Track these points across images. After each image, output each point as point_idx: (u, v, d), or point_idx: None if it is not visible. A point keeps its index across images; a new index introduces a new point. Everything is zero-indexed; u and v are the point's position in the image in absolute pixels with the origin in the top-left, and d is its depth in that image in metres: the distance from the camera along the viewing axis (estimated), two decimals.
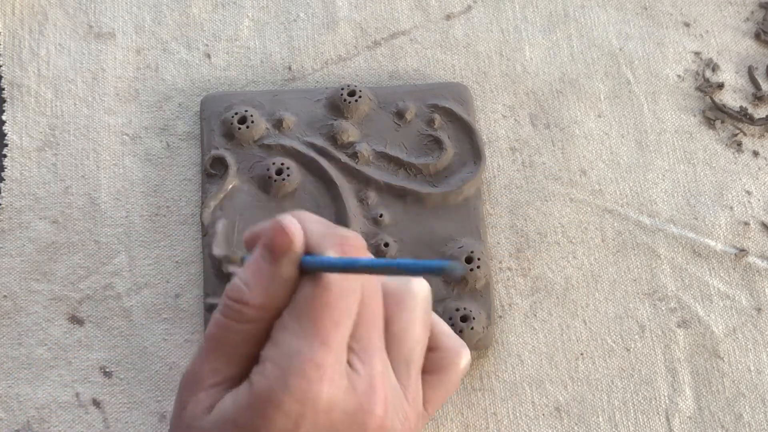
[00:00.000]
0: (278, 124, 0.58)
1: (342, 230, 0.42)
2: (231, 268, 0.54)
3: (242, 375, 0.42)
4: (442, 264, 0.38)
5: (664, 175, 0.60)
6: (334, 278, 0.40)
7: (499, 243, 0.58)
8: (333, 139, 0.58)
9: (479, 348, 0.55)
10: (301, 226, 0.42)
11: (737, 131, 0.61)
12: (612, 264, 0.58)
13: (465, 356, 0.47)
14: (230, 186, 0.57)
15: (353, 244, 0.42)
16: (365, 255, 0.42)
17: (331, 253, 0.41)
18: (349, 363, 0.42)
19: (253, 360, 0.42)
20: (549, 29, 0.63)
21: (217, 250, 0.55)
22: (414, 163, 0.58)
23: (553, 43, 0.63)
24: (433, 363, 0.46)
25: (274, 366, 0.40)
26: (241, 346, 0.42)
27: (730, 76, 0.62)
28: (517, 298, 0.56)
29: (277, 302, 0.42)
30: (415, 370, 0.45)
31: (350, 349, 0.42)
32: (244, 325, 0.41)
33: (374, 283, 0.43)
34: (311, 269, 0.41)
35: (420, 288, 0.45)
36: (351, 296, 0.41)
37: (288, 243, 0.41)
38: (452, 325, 0.54)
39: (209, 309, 0.54)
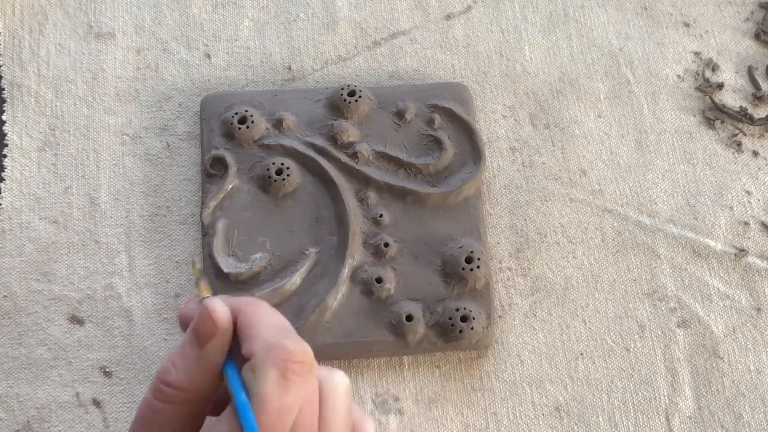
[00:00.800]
0: (278, 124, 0.58)
1: (292, 343, 0.40)
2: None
3: None
4: None
5: (664, 175, 0.60)
6: (271, 396, 0.39)
7: (499, 243, 0.58)
8: (333, 139, 0.58)
9: (479, 348, 0.55)
10: (254, 327, 0.41)
11: (737, 131, 0.61)
12: (612, 264, 0.58)
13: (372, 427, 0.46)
14: (230, 186, 0.57)
15: (298, 363, 0.40)
16: (307, 381, 0.40)
17: (271, 372, 0.39)
18: None
19: None
20: (549, 29, 0.63)
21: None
22: (414, 163, 0.58)
23: (553, 43, 0.63)
24: None
25: None
26: (166, 427, 0.41)
27: (729, 76, 0.62)
28: (517, 298, 0.56)
29: (203, 387, 0.41)
30: None
31: None
32: (169, 406, 0.41)
33: (315, 387, 0.41)
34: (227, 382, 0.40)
35: (341, 380, 0.43)
36: (288, 416, 0.40)
37: (213, 330, 0.40)
38: (452, 326, 0.54)
39: None
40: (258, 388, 0.39)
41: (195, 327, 0.41)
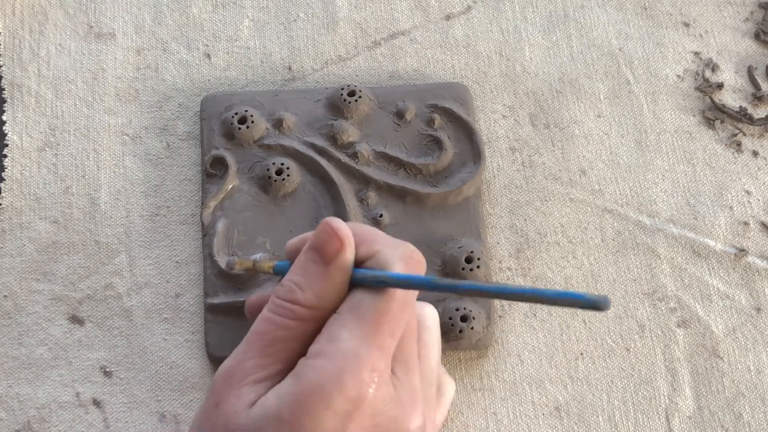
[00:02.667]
0: (278, 124, 0.58)
1: (406, 244, 0.43)
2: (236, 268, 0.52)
3: (285, 372, 0.42)
4: (579, 296, 0.39)
5: (663, 175, 0.60)
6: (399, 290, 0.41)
7: (499, 243, 0.58)
8: (333, 139, 0.58)
9: (479, 348, 0.55)
10: (371, 234, 0.43)
11: (737, 131, 0.61)
12: (612, 264, 0.58)
13: (452, 384, 0.49)
14: (230, 186, 0.57)
15: (418, 259, 0.43)
16: (423, 272, 0.43)
17: (399, 267, 0.42)
18: (393, 372, 0.42)
19: (296, 358, 0.42)
20: (549, 29, 0.63)
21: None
22: (414, 163, 0.58)
23: (552, 43, 0.63)
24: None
25: (328, 362, 0.40)
26: (288, 343, 0.42)
27: (729, 76, 0.62)
28: None
29: (329, 303, 0.42)
30: (435, 388, 0.46)
31: (394, 358, 0.42)
32: (295, 322, 0.42)
33: (414, 299, 0.43)
34: (373, 283, 0.42)
35: (433, 311, 0.46)
36: (409, 309, 0.42)
37: (339, 246, 0.42)
38: (452, 325, 0.54)
39: (209, 309, 0.54)
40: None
41: (318, 245, 0.42)
